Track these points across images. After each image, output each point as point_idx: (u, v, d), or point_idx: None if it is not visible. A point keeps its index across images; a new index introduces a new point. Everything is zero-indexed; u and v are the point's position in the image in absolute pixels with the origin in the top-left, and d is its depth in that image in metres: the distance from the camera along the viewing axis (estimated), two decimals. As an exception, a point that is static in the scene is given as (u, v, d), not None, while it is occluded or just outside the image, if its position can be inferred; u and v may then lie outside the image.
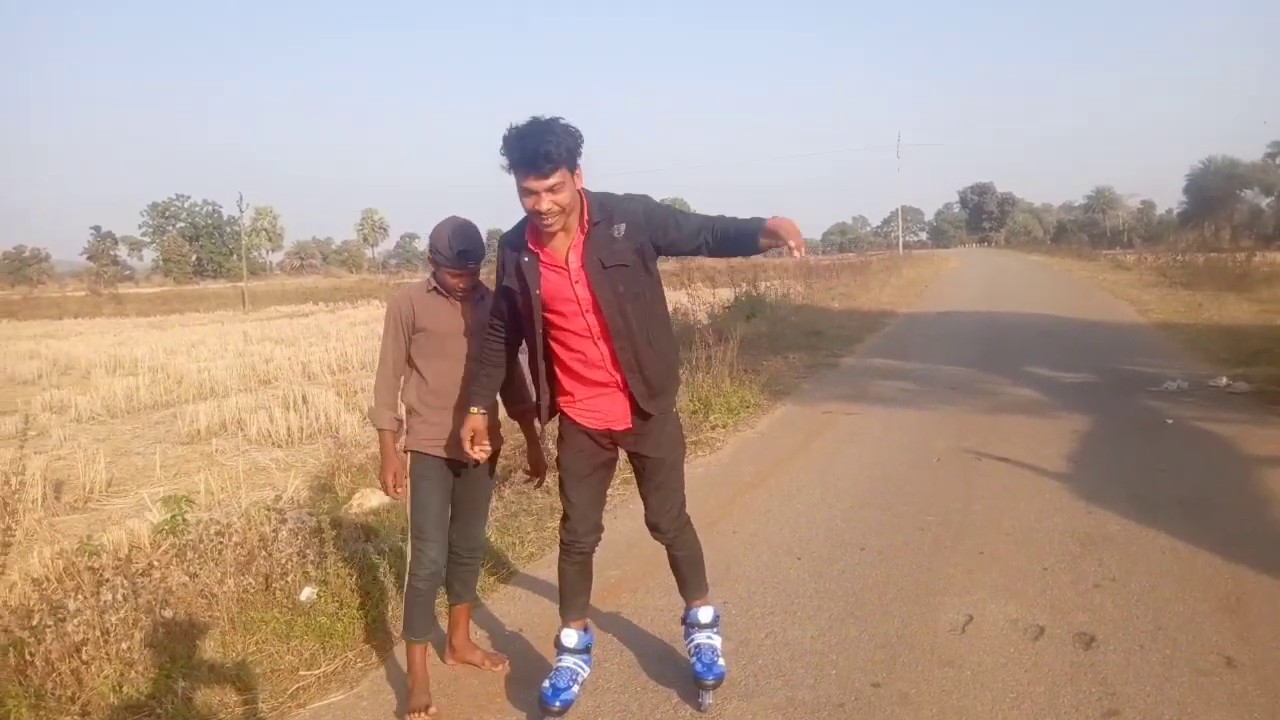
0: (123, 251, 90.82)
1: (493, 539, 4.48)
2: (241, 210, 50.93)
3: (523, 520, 4.86)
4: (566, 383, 2.70)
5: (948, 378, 9.05)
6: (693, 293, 16.34)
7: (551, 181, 2.39)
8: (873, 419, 7.23)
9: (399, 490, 2.98)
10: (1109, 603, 3.41)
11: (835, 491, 5.16)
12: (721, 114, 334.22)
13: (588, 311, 2.58)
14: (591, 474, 2.79)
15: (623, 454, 2.84)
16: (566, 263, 2.56)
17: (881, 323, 15.38)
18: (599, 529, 2.86)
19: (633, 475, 3.03)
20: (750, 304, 15.33)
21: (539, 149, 2.35)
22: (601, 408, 2.69)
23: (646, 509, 2.86)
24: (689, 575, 2.93)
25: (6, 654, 3.12)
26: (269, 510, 4.48)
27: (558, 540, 4.41)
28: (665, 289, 2.80)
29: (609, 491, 3.24)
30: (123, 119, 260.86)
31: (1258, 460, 5.37)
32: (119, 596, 3.50)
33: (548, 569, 4.11)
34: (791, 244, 2.40)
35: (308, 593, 3.80)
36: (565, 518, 2.83)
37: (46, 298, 50.62)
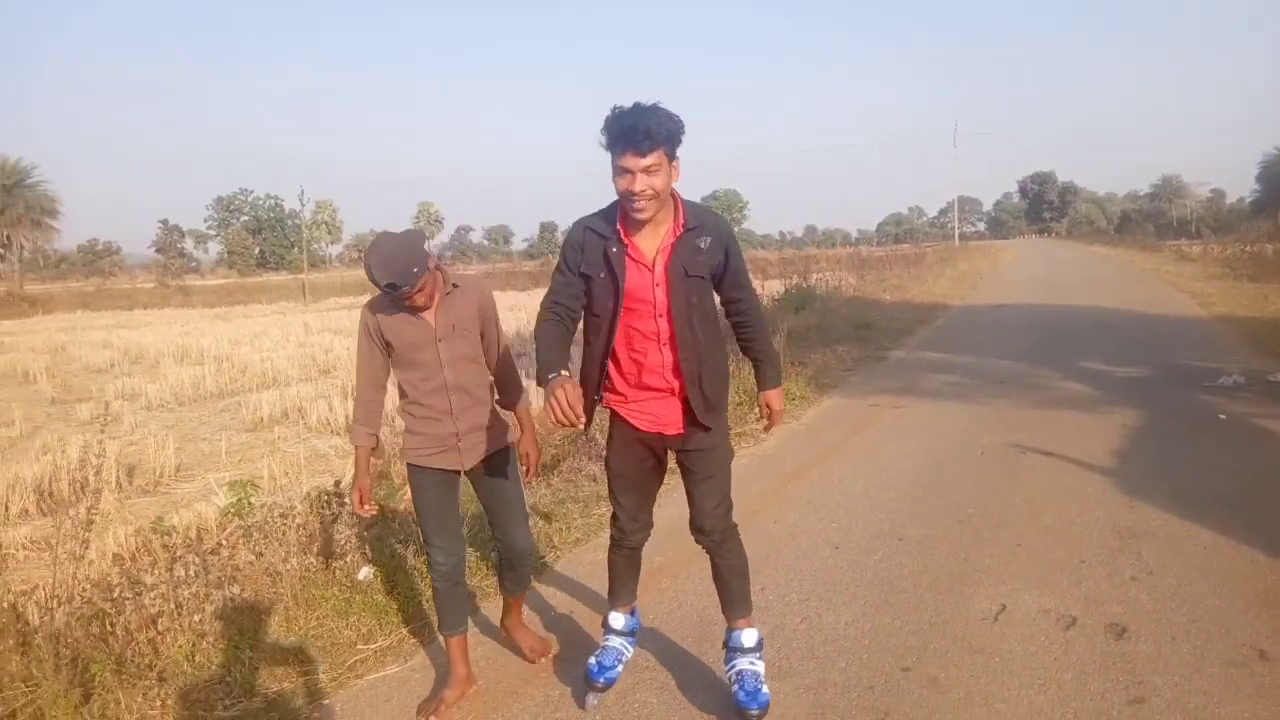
0: (189, 244, 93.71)
1: (540, 526, 4.65)
2: (303, 204, 52.19)
3: (569, 507, 5.02)
4: (619, 383, 2.69)
5: (998, 372, 8.98)
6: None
7: (649, 161, 2.38)
8: (919, 413, 7.24)
9: (365, 508, 2.97)
10: (1144, 595, 3.44)
11: (877, 484, 5.22)
12: (774, 102, 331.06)
13: (661, 316, 2.57)
14: (641, 476, 2.79)
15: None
16: (652, 264, 2.55)
17: (933, 315, 15.22)
18: (648, 527, 2.88)
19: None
20: (800, 296, 15.30)
21: (640, 125, 2.34)
22: (654, 410, 2.68)
23: (692, 509, 2.77)
24: (734, 589, 2.82)
25: (90, 623, 3.36)
26: (329, 495, 4.72)
27: (603, 526, 4.62)
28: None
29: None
30: (189, 116, 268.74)
31: (1311, 457, 5.28)
32: (191, 573, 3.76)
33: (593, 554, 4.28)
34: (769, 425, 2.86)
35: (365, 572, 4.01)
36: (615, 517, 2.86)
37: (118, 289, 52.55)
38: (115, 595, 3.52)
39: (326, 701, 3.05)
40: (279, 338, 20.31)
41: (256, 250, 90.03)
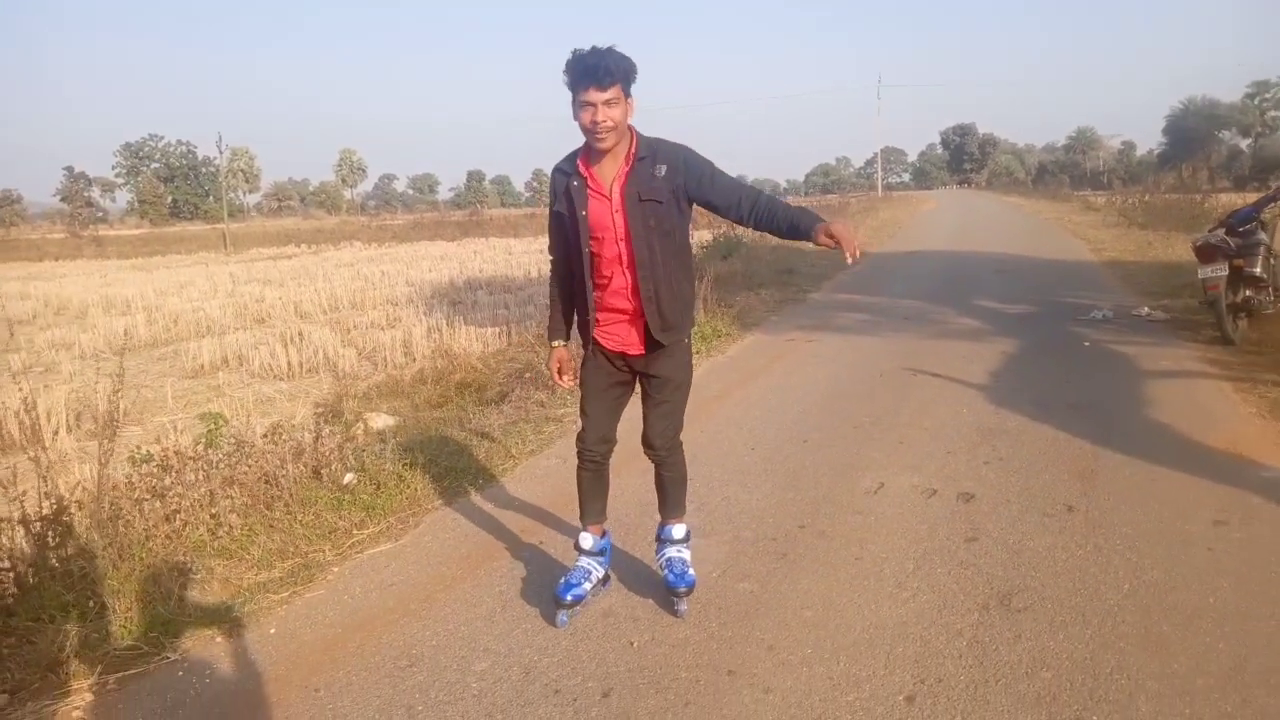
0: (96, 193, 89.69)
1: (499, 438, 5.33)
2: (220, 151, 50.46)
3: (523, 427, 5.68)
4: (599, 310, 2.94)
5: (904, 310, 9.92)
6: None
7: (609, 95, 2.62)
8: (830, 345, 8.10)
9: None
10: (992, 474, 4.34)
11: (789, 401, 6.03)
12: (700, 56, 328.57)
13: (621, 240, 2.80)
14: (607, 390, 3.04)
15: None
16: (610, 192, 2.78)
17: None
18: (609, 441, 3.11)
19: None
20: (727, 244, 16.06)
21: (600, 63, 2.59)
22: (619, 333, 2.93)
23: (645, 426, 3.06)
24: (671, 495, 3.16)
25: (115, 521, 3.91)
26: (299, 423, 5.29)
27: (553, 440, 5.31)
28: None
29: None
30: (93, 55, 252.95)
31: (1148, 373, 6.30)
32: (200, 476, 4.33)
33: (546, 461, 4.99)
34: (848, 253, 2.60)
35: (350, 478, 4.63)
36: (582, 429, 3.10)
37: (24, 239, 50.31)
38: (135, 496, 4.07)
39: (336, 569, 3.71)
40: (206, 288, 20.14)
41: (169, 199, 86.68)
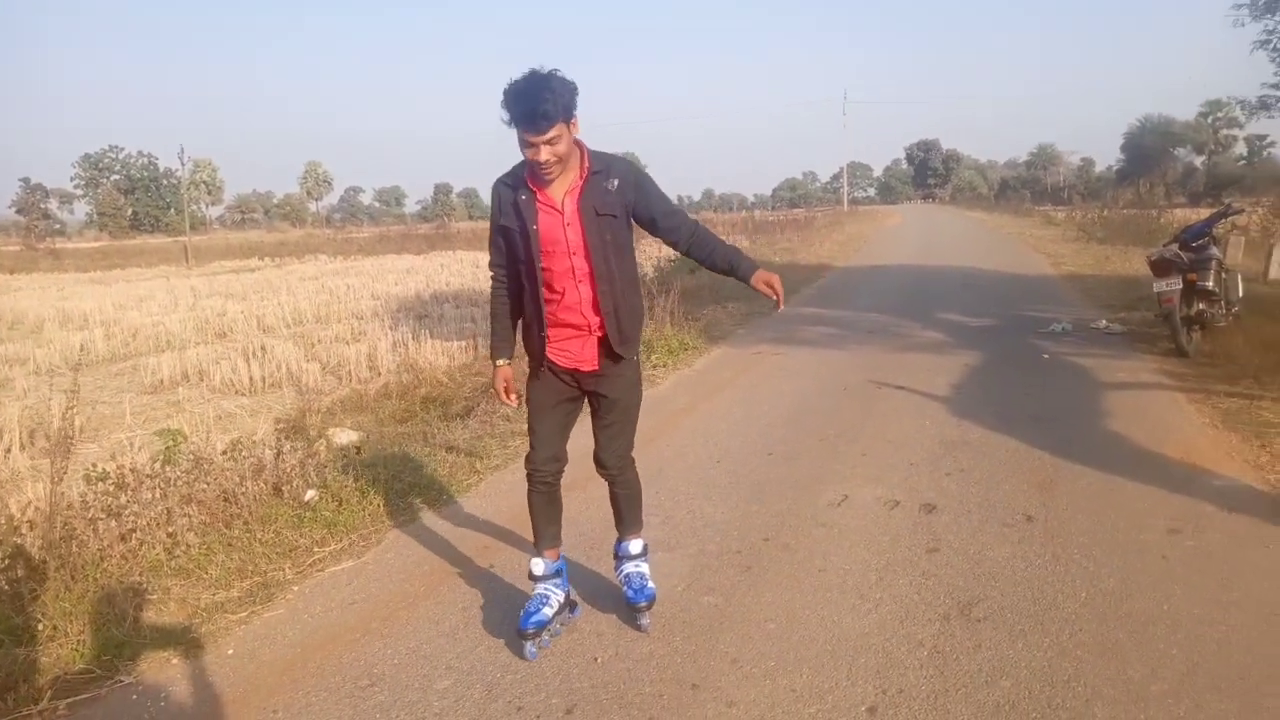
0: (53, 205, 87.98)
1: (463, 453, 5.29)
2: (183, 163, 49.71)
3: (488, 442, 5.65)
4: (549, 325, 2.86)
5: (869, 323, 10.03)
6: (640, 249, 17.09)
7: (549, 135, 2.56)
8: (796, 358, 8.16)
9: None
10: (953, 485, 4.39)
11: (755, 415, 6.06)
12: (667, 71, 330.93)
13: (575, 254, 2.74)
14: (555, 406, 2.96)
15: None
16: (561, 206, 2.72)
17: (818, 275, 16.35)
18: (559, 459, 3.02)
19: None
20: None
21: (536, 109, 2.51)
22: (573, 349, 2.86)
23: (596, 445, 3.02)
24: (626, 512, 3.12)
25: (68, 542, 3.81)
26: (260, 440, 5.21)
27: (519, 454, 5.27)
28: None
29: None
30: (51, 64, 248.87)
31: (1104, 385, 6.42)
32: (156, 495, 4.24)
33: (512, 475, 4.96)
34: (780, 303, 2.90)
35: (311, 494, 4.57)
36: (530, 449, 3.00)
37: (-22, 252, 49.21)
38: (89, 515, 3.98)
39: (296, 588, 3.65)
40: (166, 302, 19.80)
41: (129, 211, 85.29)
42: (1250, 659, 2.73)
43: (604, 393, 2.93)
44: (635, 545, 3.14)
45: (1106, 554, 3.53)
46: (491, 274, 3.01)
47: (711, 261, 2.91)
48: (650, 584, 3.10)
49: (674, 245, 2.95)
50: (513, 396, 3.06)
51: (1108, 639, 2.89)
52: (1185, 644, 2.83)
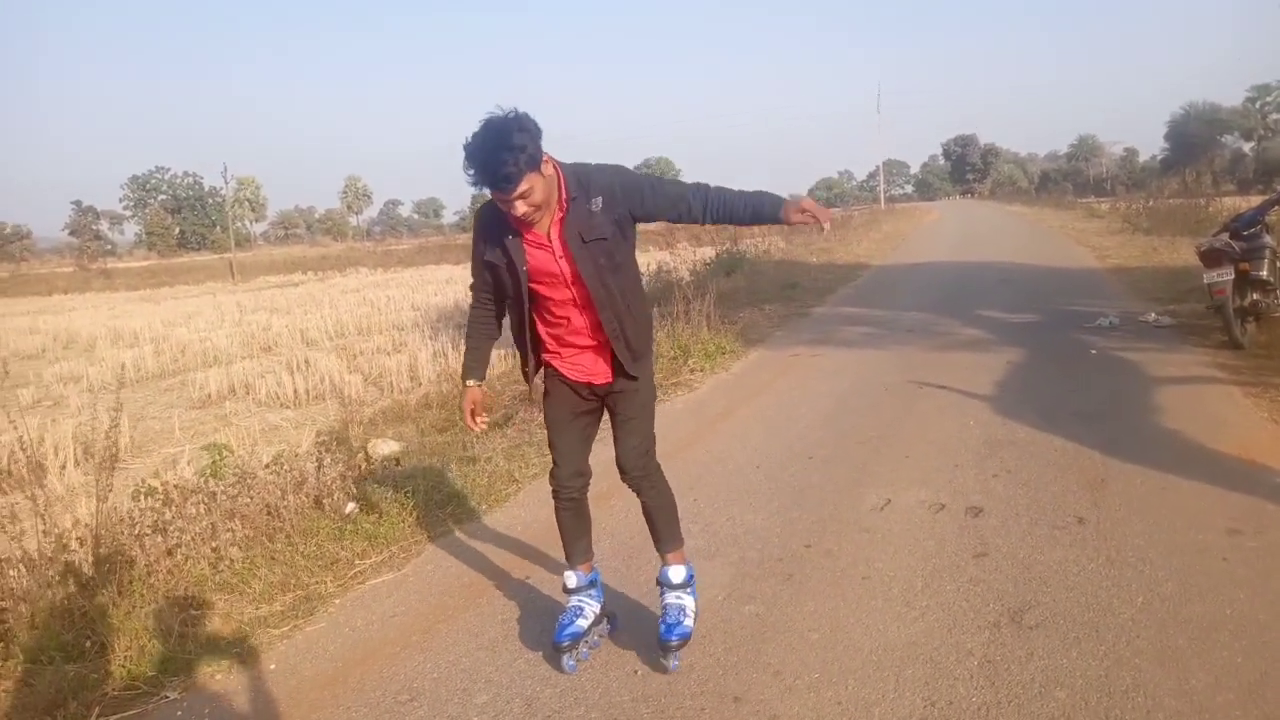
0: (104, 226, 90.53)
1: (502, 462, 5.29)
2: (226, 181, 50.89)
3: (525, 450, 5.65)
4: (551, 344, 2.84)
5: (908, 322, 9.87)
6: (675, 252, 17.09)
7: (518, 192, 2.42)
8: (835, 359, 8.05)
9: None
10: (1000, 487, 4.27)
11: (794, 418, 5.98)
12: (703, 74, 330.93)
13: (572, 284, 2.66)
14: (574, 420, 2.90)
15: None
16: (549, 239, 2.62)
17: (855, 274, 16.16)
18: (583, 474, 2.96)
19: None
20: (730, 261, 16.07)
21: (498, 173, 2.36)
22: (584, 363, 2.81)
23: (616, 449, 2.90)
24: (659, 525, 2.96)
25: (113, 558, 3.88)
26: (303, 453, 5.26)
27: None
28: (650, 250, 3.23)
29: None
30: (99, 90, 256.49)
31: (1155, 380, 6.22)
32: (201, 510, 4.30)
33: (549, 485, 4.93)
34: (824, 221, 2.62)
35: (351, 507, 4.60)
36: (553, 465, 2.96)
37: (34, 274, 50.83)
38: (137, 532, 4.04)
39: (338, 601, 3.66)
40: (213, 318, 20.28)
41: (176, 230, 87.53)
42: (1321, 666, 2.60)
43: (618, 389, 2.84)
44: (677, 573, 2.95)
45: (1163, 556, 3.40)
46: (473, 296, 2.91)
47: (737, 218, 2.74)
48: (688, 620, 2.88)
49: (695, 221, 2.78)
50: (480, 420, 2.96)
51: (1167, 646, 2.77)
52: (1251, 651, 2.71)
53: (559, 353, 2.84)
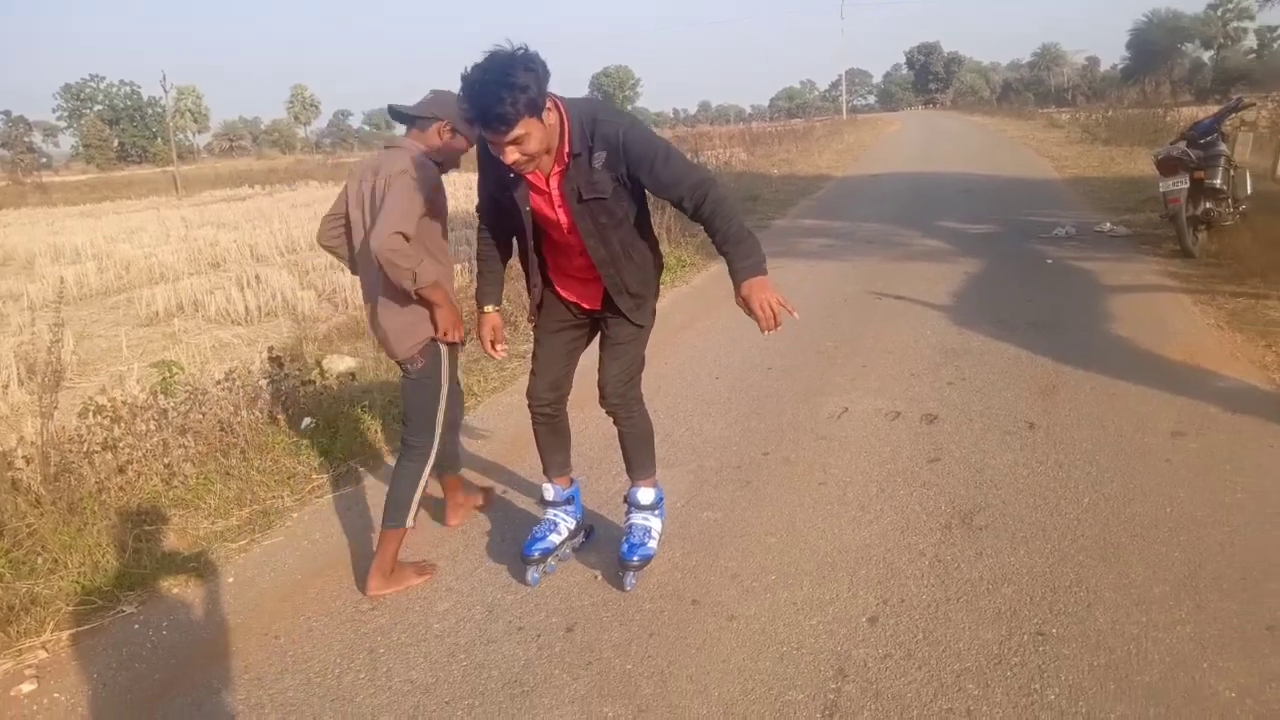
0: (37, 138, 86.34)
1: (463, 376, 5.23)
2: (165, 90, 48.32)
3: (485, 365, 5.60)
4: (551, 267, 2.78)
5: (867, 234, 9.86)
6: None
7: (514, 135, 2.23)
8: (795, 271, 8.03)
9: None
10: (954, 394, 4.34)
11: (753, 329, 5.92)
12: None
13: (571, 232, 2.58)
14: (558, 333, 2.84)
15: None
16: (548, 185, 2.51)
17: (816, 186, 16.04)
18: (558, 388, 2.88)
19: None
20: (691, 172, 15.82)
21: (492, 110, 2.16)
22: (577, 289, 2.78)
23: (599, 374, 2.80)
24: (633, 454, 2.90)
25: (64, 474, 3.80)
26: (256, 369, 5.15)
27: (516, 376, 5.23)
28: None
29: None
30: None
31: (1107, 289, 6.33)
32: (152, 427, 4.21)
33: (509, 398, 4.92)
34: (763, 328, 2.48)
35: (307, 422, 4.53)
36: (530, 376, 2.88)
37: (-36, 189, 48.45)
38: (85, 449, 3.95)
39: (295, 515, 3.64)
40: (158, 233, 19.54)
41: (115, 142, 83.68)
42: (1252, 559, 2.72)
43: (611, 313, 2.75)
44: (646, 494, 2.91)
45: (1109, 459, 3.50)
46: (480, 219, 2.82)
47: (712, 239, 2.55)
48: (652, 543, 2.87)
49: (688, 214, 2.56)
50: (500, 348, 2.87)
51: (1110, 544, 2.87)
52: (1187, 546, 2.82)
53: (554, 278, 2.80)
